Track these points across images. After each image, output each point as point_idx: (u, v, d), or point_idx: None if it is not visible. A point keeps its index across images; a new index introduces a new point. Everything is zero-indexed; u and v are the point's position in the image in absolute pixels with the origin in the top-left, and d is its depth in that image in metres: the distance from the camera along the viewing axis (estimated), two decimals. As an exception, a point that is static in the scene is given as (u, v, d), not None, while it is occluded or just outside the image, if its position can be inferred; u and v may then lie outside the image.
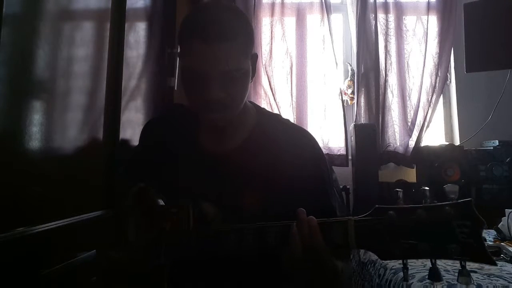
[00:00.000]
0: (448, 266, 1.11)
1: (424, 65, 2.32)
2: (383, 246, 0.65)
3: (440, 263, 0.98)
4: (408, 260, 0.67)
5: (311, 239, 0.69)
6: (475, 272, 1.08)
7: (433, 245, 0.63)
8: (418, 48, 2.36)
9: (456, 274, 0.62)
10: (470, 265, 0.64)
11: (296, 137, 0.94)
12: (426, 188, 0.66)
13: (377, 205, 0.67)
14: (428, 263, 0.66)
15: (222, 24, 0.80)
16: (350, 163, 2.22)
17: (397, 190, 0.68)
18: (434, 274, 0.64)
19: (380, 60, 2.33)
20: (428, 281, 1.01)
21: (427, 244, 0.63)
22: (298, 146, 0.92)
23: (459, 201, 0.64)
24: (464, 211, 0.62)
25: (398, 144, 2.31)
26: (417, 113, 2.30)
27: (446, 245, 0.62)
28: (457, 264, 0.64)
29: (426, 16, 2.35)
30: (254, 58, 0.90)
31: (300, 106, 2.32)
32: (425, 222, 0.64)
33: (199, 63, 0.80)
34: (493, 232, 1.48)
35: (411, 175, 2.23)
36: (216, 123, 0.87)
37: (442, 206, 0.64)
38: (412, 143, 2.28)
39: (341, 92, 2.31)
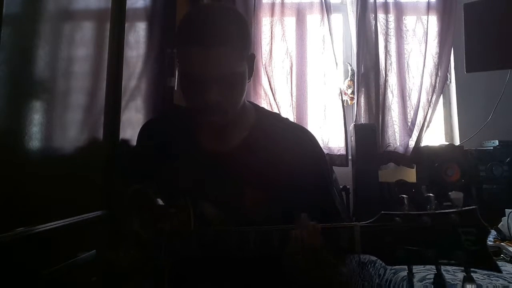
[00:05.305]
0: (448, 267, 1.11)
1: (424, 65, 2.32)
2: (388, 252, 0.66)
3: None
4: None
5: (310, 241, 0.70)
6: (475, 272, 1.08)
7: (438, 251, 0.63)
8: (418, 48, 2.36)
9: (457, 274, 0.62)
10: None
11: (296, 135, 0.94)
12: (431, 194, 0.66)
13: (382, 212, 0.68)
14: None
15: (219, 28, 0.80)
16: (350, 163, 2.22)
17: (402, 196, 0.68)
18: (439, 283, 0.65)
19: (380, 60, 2.33)
20: (428, 281, 1.02)
21: (433, 250, 0.63)
22: (298, 144, 0.92)
23: (464, 208, 0.64)
24: (469, 219, 0.63)
25: (398, 144, 2.30)
26: (417, 113, 2.30)
27: (451, 252, 0.62)
28: (457, 265, 0.64)
29: (426, 16, 2.34)
30: (252, 58, 0.90)
31: (300, 106, 2.31)
32: (430, 229, 0.64)
33: (196, 67, 0.80)
34: (493, 232, 1.48)
35: (411, 175, 2.23)
36: (215, 125, 0.87)
37: (447, 213, 0.64)
38: (412, 143, 2.28)
39: (341, 92, 2.31)
